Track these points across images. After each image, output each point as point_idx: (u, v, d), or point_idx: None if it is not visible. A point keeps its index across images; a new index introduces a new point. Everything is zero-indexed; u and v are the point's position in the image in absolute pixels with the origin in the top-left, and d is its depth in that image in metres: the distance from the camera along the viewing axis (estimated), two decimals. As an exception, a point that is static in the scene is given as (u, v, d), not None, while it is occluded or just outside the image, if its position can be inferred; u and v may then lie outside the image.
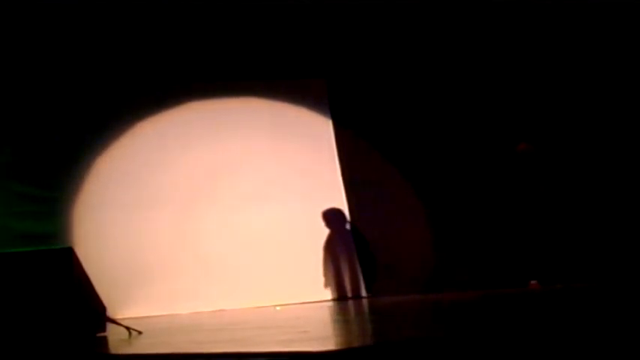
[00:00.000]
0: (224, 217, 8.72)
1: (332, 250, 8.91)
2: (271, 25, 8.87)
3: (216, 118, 8.95)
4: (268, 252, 8.67)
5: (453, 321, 4.98)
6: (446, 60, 9.14)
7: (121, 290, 7.41)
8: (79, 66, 8.53)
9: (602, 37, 8.69)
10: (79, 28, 8.40)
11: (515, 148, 8.56)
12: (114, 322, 5.64)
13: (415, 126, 9.20)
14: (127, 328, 5.51)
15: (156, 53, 8.77)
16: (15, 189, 8.22)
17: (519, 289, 7.57)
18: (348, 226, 8.99)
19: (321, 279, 8.55)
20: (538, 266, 8.21)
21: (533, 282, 8.04)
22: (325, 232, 8.91)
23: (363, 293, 8.73)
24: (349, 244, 9.00)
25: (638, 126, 8.65)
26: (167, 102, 8.89)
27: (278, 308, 7.59)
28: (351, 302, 7.98)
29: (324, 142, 9.15)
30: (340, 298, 8.48)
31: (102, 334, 5.54)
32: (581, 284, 7.45)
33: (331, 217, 8.93)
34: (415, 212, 9.08)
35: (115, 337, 5.40)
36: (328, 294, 8.57)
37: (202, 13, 8.60)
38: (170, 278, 8.28)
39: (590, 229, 8.36)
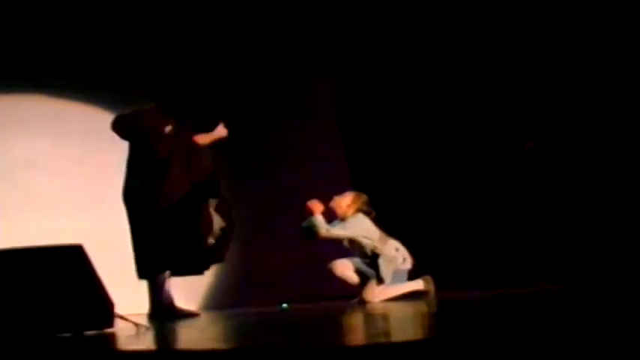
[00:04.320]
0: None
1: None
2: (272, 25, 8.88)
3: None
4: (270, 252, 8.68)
5: (459, 322, 4.98)
6: (452, 60, 9.15)
7: (130, 286, 7.41)
8: None
9: (608, 36, 8.69)
10: None
11: (523, 146, 8.58)
12: (122, 317, 5.65)
13: (421, 125, 9.23)
14: (135, 324, 5.53)
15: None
16: None
17: (528, 289, 7.55)
18: None
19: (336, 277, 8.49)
20: (547, 265, 8.21)
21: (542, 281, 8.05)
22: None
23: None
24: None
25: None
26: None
27: (285, 306, 7.60)
28: (358, 301, 7.95)
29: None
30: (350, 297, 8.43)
31: (110, 330, 5.55)
32: (591, 284, 7.45)
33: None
34: (422, 211, 9.10)
35: (122, 332, 5.42)
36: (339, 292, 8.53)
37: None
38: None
39: (597, 228, 8.35)
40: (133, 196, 7.16)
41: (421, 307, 6.64)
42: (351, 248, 7.97)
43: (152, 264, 7.06)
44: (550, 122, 8.85)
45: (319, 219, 7.81)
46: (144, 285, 7.12)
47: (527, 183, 8.80)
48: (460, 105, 9.17)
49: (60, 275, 5.58)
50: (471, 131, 9.13)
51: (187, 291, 8.34)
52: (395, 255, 7.83)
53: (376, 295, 7.75)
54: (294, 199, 8.22)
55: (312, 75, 9.40)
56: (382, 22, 8.97)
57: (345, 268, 7.91)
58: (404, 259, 7.87)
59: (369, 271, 7.85)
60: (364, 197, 8.04)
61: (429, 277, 7.91)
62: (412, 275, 8.00)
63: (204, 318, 7.04)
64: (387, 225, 8.08)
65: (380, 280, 7.77)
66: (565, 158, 8.71)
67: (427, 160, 9.24)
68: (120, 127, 7.33)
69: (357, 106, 9.46)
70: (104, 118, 8.83)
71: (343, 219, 7.92)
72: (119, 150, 8.69)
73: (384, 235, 7.91)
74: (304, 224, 7.87)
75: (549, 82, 8.94)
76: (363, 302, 7.67)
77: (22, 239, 6.58)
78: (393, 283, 7.81)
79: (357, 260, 7.95)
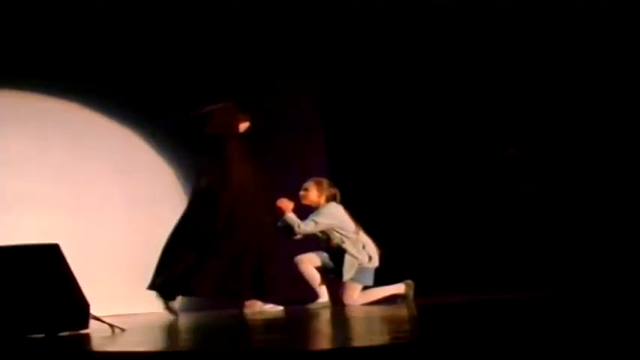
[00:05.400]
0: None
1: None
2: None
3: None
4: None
5: (434, 326, 4.96)
6: (434, 61, 9.14)
7: (104, 287, 7.38)
8: None
9: (589, 42, 8.69)
10: None
11: (504, 151, 8.57)
12: (97, 319, 5.61)
13: (403, 127, 9.22)
14: (110, 326, 5.49)
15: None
16: None
17: (510, 295, 7.52)
18: None
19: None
20: (528, 271, 8.20)
21: None
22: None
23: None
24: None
25: (626, 132, 8.64)
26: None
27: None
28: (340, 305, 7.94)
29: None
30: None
31: (84, 331, 5.51)
32: (570, 290, 7.45)
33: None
34: (404, 213, 9.09)
35: (97, 334, 5.37)
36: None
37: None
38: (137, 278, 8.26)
39: (577, 234, 8.35)
40: (197, 195, 7.11)
41: (395, 311, 6.62)
42: (320, 239, 7.94)
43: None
44: (531, 128, 8.83)
45: (291, 217, 7.80)
46: (119, 286, 7.08)
47: (508, 188, 8.78)
48: (442, 107, 9.15)
49: (35, 275, 5.53)
50: (453, 134, 9.11)
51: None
52: (360, 251, 7.81)
53: (356, 298, 7.73)
54: (275, 199, 8.20)
55: (296, 75, 9.37)
56: (366, 23, 8.97)
57: (311, 263, 7.87)
58: (370, 258, 7.84)
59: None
60: (325, 181, 8.05)
61: (410, 282, 7.88)
62: (395, 279, 7.98)
63: (181, 320, 7.00)
64: (368, 228, 8.07)
65: (340, 276, 7.76)
66: (546, 164, 8.70)
67: (409, 162, 9.22)
68: (195, 125, 7.27)
69: (341, 107, 9.44)
70: (85, 118, 8.81)
71: (317, 208, 7.91)
72: (98, 151, 8.69)
73: (357, 228, 7.90)
74: (279, 224, 7.85)
75: (530, 87, 8.93)
76: (342, 305, 7.64)
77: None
78: (356, 281, 7.79)
79: (326, 256, 7.91)
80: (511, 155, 8.60)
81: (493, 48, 8.94)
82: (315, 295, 7.82)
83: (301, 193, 7.95)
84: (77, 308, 5.55)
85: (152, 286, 7.21)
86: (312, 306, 7.68)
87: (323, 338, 4.52)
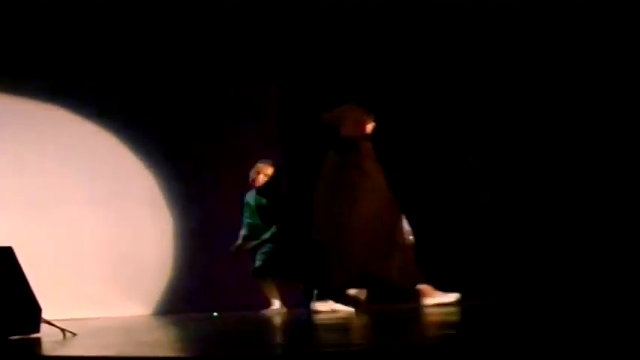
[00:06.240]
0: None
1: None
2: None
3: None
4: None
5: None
6: (396, 69, 9.18)
7: (57, 291, 7.34)
8: None
9: (546, 53, 8.78)
10: None
11: (465, 160, 8.66)
12: (48, 322, 5.58)
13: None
14: (62, 330, 5.47)
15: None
16: None
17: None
18: None
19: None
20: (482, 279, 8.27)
21: None
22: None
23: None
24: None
25: (581, 140, 8.73)
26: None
27: (215, 314, 7.58)
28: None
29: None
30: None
31: (36, 335, 5.48)
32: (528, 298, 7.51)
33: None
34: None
35: (48, 338, 5.35)
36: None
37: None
38: (107, 280, 8.21)
39: (535, 242, 8.43)
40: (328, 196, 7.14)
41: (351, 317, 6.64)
42: None
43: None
44: (490, 136, 8.89)
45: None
46: (71, 290, 7.05)
47: (464, 194, 8.84)
48: (399, 112, 9.17)
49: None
50: (410, 140, 9.14)
51: (140, 294, 8.34)
52: None
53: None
54: (234, 206, 8.24)
55: (255, 81, 9.38)
56: (325, 29, 8.99)
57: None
58: None
59: None
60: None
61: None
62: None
63: (137, 323, 6.98)
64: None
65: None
66: (499, 171, 8.76)
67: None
68: (328, 128, 7.28)
69: (299, 112, 9.44)
70: (42, 114, 8.76)
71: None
72: (55, 151, 8.65)
73: None
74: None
75: (486, 94, 8.99)
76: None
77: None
78: None
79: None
80: (468, 163, 8.67)
81: (448, 54, 9.00)
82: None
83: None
84: (29, 312, 5.52)
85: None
86: (266, 312, 7.71)
87: (278, 344, 4.53)
